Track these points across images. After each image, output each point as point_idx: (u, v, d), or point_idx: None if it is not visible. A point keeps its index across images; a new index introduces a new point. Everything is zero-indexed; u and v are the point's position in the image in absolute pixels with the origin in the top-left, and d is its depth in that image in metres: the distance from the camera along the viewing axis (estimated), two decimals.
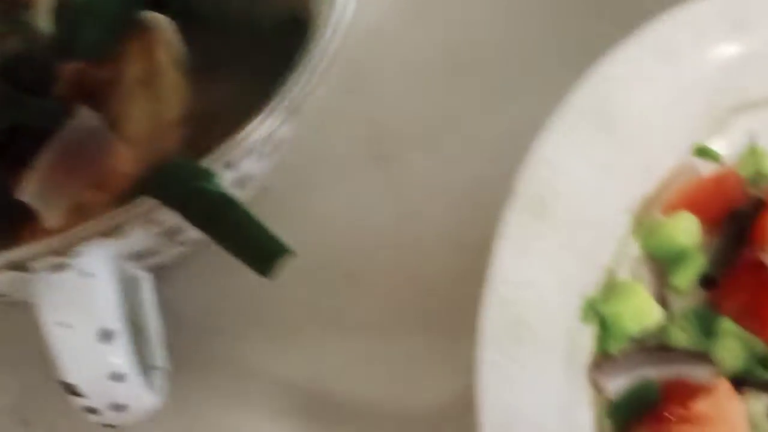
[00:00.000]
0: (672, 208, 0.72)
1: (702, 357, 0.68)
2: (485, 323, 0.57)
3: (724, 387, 0.63)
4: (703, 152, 0.75)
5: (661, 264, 0.72)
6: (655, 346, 0.69)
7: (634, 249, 0.72)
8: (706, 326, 0.70)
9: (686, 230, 0.70)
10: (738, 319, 0.69)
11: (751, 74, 0.73)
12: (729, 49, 0.72)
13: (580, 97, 0.66)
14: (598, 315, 0.69)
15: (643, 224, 0.72)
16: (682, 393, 0.65)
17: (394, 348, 0.70)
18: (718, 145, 0.75)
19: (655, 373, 0.67)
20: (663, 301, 0.71)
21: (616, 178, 0.69)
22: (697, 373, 0.66)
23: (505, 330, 0.57)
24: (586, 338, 0.68)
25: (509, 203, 0.61)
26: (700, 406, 0.63)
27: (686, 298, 0.72)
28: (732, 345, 0.68)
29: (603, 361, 0.67)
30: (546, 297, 0.61)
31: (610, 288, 0.69)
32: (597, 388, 0.67)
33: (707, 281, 0.72)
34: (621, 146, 0.68)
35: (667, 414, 0.64)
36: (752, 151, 0.75)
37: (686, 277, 0.72)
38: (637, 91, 0.69)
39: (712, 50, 0.72)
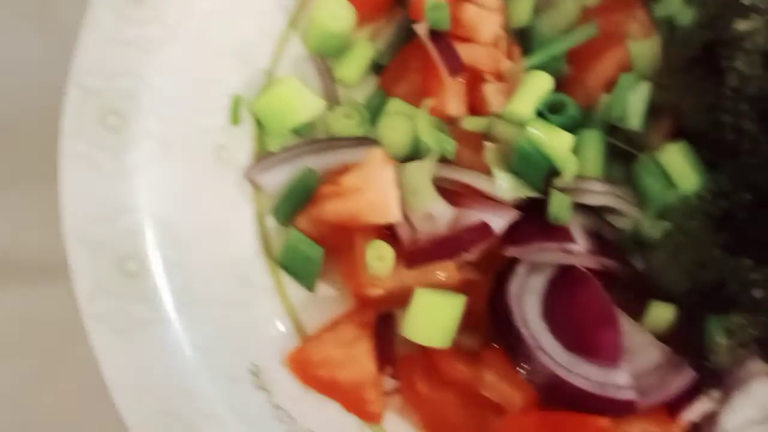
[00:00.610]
0: None
1: (367, 141, 0.65)
2: (67, 113, 0.53)
3: (375, 159, 0.61)
4: None
5: (328, 58, 0.69)
6: (320, 138, 0.66)
7: (298, 48, 0.69)
8: (375, 111, 0.67)
9: (336, 15, 0.67)
10: (407, 99, 0.67)
11: None
12: None
13: None
14: (252, 114, 0.66)
15: (302, 20, 0.69)
16: (339, 173, 0.62)
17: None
18: None
19: (317, 162, 0.65)
20: (333, 95, 0.69)
21: None
22: (361, 156, 0.64)
23: (92, 120, 0.54)
24: (241, 138, 0.65)
25: None
26: (349, 179, 0.61)
27: (356, 89, 0.69)
28: (399, 123, 0.65)
29: (261, 158, 0.65)
30: (155, 87, 0.58)
31: (265, 87, 0.66)
32: (254, 185, 0.64)
33: (379, 68, 0.70)
34: None
35: (318, 193, 0.62)
36: None
37: (353, 68, 0.69)
38: None
39: None
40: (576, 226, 0.62)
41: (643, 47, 0.65)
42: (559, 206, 0.61)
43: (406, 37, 0.70)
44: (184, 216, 0.57)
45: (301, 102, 0.65)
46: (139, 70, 0.57)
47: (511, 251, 0.61)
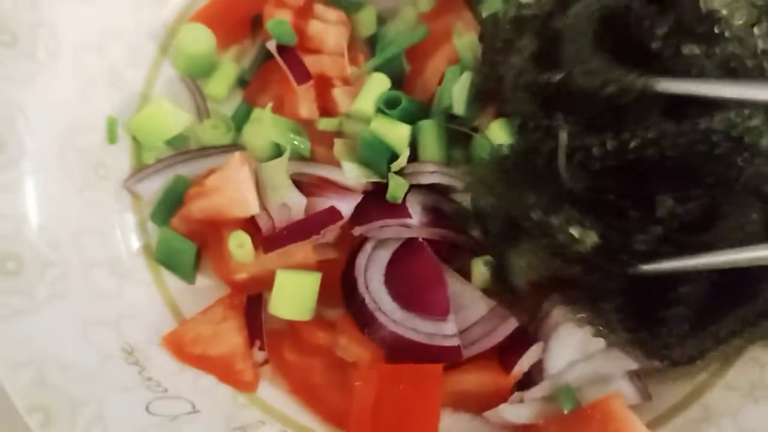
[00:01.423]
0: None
1: (233, 148, 0.74)
2: None
3: (234, 160, 0.70)
4: None
5: (197, 78, 0.78)
6: (191, 149, 0.75)
7: (170, 71, 0.78)
8: (241, 121, 0.76)
9: (197, 40, 0.76)
10: (277, 110, 0.75)
11: None
12: None
13: None
14: (128, 133, 0.75)
15: (172, 47, 0.78)
16: (205, 177, 0.71)
17: None
18: None
19: (188, 170, 0.73)
20: (204, 110, 0.78)
21: (119, 4, 0.75)
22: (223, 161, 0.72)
23: None
24: (121, 154, 0.74)
25: None
26: (211, 180, 0.69)
27: (225, 103, 0.78)
28: (260, 129, 0.74)
29: (137, 170, 0.73)
30: (31, 115, 0.66)
31: (139, 107, 0.75)
32: (132, 194, 0.73)
33: (245, 84, 0.79)
34: None
35: (186, 195, 0.70)
36: None
37: (219, 86, 0.78)
38: None
39: None
40: (414, 203, 0.70)
41: (466, 41, 0.74)
42: (395, 187, 0.69)
43: (267, 55, 0.79)
44: (63, 223, 0.66)
45: (169, 118, 0.74)
46: (15, 100, 0.66)
47: (357, 230, 0.69)
